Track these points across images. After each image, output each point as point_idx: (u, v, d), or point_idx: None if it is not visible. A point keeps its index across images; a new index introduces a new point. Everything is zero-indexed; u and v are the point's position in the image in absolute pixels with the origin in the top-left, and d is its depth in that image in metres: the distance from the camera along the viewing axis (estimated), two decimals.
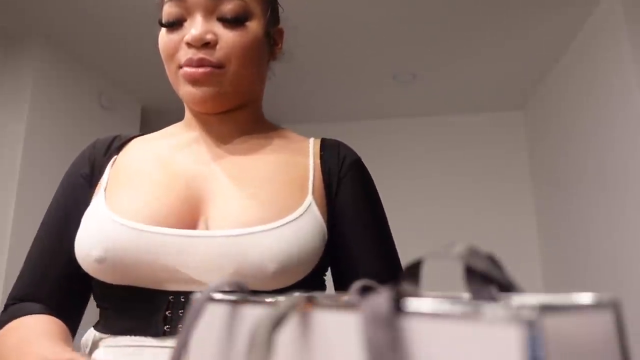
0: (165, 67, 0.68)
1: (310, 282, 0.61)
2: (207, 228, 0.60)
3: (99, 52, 2.88)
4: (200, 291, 0.28)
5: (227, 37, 0.64)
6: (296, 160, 0.69)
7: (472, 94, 3.46)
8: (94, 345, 0.59)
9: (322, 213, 0.64)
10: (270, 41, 0.72)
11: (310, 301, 0.22)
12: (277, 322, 0.19)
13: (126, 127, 3.39)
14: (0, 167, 2.59)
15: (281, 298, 0.22)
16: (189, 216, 0.60)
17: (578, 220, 2.80)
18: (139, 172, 0.65)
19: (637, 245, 2.16)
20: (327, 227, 0.64)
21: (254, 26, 0.66)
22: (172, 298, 0.57)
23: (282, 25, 0.76)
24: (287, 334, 0.22)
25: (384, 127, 3.90)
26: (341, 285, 0.67)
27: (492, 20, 2.55)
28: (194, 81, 0.64)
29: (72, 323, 0.66)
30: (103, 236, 0.58)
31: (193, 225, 0.60)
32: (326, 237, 0.63)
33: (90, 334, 0.61)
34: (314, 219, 0.62)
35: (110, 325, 0.59)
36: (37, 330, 0.57)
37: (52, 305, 0.64)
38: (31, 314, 0.61)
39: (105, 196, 0.63)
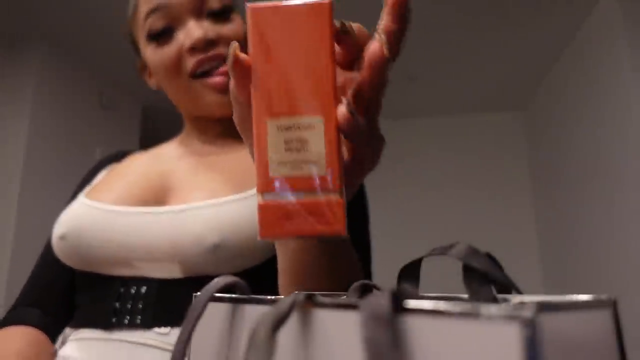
0: (169, 83, 0.64)
1: (269, 273, 0.50)
2: None
3: (99, 52, 2.88)
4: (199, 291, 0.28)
5: (223, 31, 0.63)
6: None
7: (472, 94, 3.47)
8: (63, 341, 0.58)
9: None
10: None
11: (311, 300, 0.22)
12: (278, 321, 0.19)
13: (126, 126, 3.39)
14: (2, 167, 2.60)
15: (282, 297, 0.22)
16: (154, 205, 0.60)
17: (578, 220, 2.80)
18: (126, 174, 0.65)
19: (637, 245, 2.16)
20: None
21: (238, 18, 0.66)
22: (122, 289, 0.55)
23: None
24: (288, 333, 0.22)
25: (384, 127, 3.84)
26: None
27: (492, 21, 2.55)
28: (222, 89, 0.62)
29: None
30: (70, 215, 0.60)
31: None
32: None
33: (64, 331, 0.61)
34: None
35: (76, 318, 0.58)
36: (8, 349, 0.56)
37: (50, 311, 0.63)
38: (22, 322, 0.60)
39: (88, 191, 0.64)
